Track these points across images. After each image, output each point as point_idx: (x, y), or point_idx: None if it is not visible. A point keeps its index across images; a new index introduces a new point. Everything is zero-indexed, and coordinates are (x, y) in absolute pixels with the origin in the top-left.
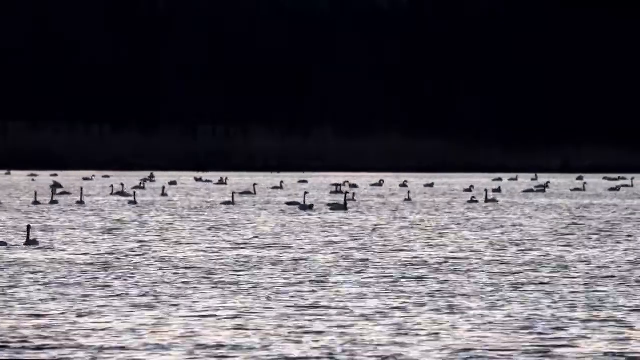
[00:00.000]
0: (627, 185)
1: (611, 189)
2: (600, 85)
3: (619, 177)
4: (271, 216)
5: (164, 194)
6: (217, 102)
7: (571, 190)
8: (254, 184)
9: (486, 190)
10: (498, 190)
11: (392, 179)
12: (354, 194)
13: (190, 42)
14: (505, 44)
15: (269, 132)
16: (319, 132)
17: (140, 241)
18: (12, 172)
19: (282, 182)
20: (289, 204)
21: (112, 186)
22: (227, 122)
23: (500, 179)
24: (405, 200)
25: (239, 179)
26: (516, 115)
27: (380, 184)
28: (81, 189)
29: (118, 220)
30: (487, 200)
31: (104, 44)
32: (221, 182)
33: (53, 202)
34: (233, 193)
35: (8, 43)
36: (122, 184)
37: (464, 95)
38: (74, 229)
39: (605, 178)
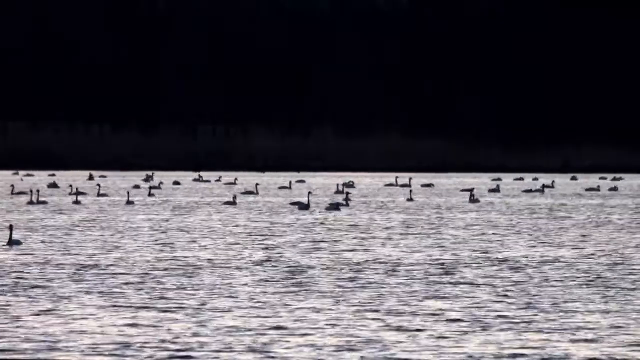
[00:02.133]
0: None
1: (610, 189)
2: (600, 85)
3: (615, 177)
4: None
5: (150, 194)
6: (217, 102)
7: (585, 190)
8: (256, 184)
9: (472, 189)
10: (497, 189)
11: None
12: (348, 193)
13: (190, 42)
14: (505, 44)
15: (269, 132)
16: (319, 132)
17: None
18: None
19: (290, 182)
20: (292, 204)
21: (70, 186)
22: (227, 122)
23: (499, 179)
24: (408, 200)
25: (230, 179)
26: (516, 115)
27: (396, 183)
28: (77, 189)
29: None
30: (471, 200)
31: (104, 44)
32: (219, 181)
33: (40, 202)
34: (234, 194)
35: (8, 43)
36: (99, 185)
37: (464, 95)
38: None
39: (601, 178)
